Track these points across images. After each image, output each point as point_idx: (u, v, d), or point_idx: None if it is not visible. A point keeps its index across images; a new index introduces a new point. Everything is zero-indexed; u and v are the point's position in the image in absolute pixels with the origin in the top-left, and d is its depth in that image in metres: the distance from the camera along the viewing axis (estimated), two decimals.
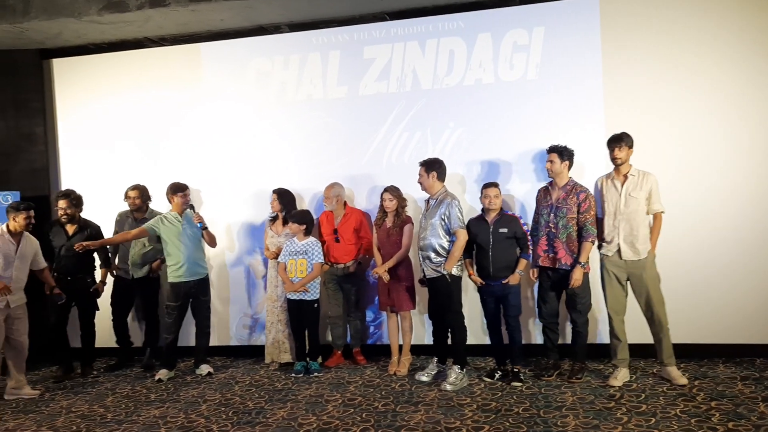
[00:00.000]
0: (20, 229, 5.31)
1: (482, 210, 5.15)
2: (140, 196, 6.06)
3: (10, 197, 6.16)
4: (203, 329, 5.89)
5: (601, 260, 4.98)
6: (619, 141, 4.81)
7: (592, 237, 4.86)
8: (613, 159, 4.86)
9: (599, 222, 4.95)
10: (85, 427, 4.50)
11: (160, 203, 6.14)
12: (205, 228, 5.70)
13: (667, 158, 5.38)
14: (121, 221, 6.15)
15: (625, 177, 4.84)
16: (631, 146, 4.82)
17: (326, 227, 5.85)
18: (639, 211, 4.78)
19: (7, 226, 5.33)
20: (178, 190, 5.72)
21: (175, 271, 5.66)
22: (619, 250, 4.83)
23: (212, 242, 5.85)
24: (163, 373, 5.70)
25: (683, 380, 4.73)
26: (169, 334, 5.74)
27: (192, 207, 5.75)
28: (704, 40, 5.41)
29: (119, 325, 6.20)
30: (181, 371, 5.93)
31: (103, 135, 6.65)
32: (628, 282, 4.90)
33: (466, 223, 5.06)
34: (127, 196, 6.07)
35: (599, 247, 4.98)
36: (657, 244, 4.85)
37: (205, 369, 5.81)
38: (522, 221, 5.09)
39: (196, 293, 5.77)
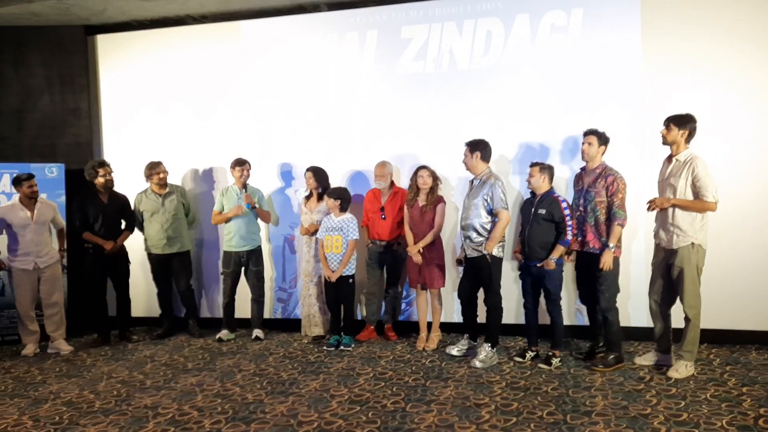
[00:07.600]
0: (27, 198, 5.72)
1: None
2: (165, 170, 6.23)
3: (55, 169, 6.37)
4: (256, 297, 6.19)
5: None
6: (666, 120, 4.63)
7: (619, 220, 4.68)
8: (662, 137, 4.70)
9: None
10: (126, 392, 4.67)
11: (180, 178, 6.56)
12: (254, 207, 5.99)
13: (703, 147, 4.98)
14: (146, 200, 6.21)
15: (670, 161, 4.65)
16: (680, 127, 4.52)
17: (373, 204, 5.91)
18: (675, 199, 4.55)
19: (19, 197, 5.78)
20: (236, 164, 6.07)
21: (228, 241, 6.11)
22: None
23: (265, 218, 6.19)
24: (223, 333, 6.12)
25: (676, 374, 4.55)
26: (224, 298, 6.18)
27: (245, 186, 6.05)
28: (755, 31, 5.26)
29: (163, 297, 6.43)
30: (208, 342, 6.11)
31: (143, 111, 6.79)
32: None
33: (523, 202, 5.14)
34: (155, 173, 6.15)
35: None
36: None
37: (254, 333, 6.11)
38: (564, 205, 4.90)
39: (247, 262, 6.10)
